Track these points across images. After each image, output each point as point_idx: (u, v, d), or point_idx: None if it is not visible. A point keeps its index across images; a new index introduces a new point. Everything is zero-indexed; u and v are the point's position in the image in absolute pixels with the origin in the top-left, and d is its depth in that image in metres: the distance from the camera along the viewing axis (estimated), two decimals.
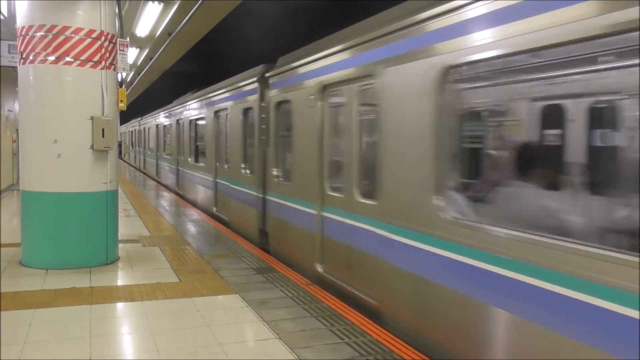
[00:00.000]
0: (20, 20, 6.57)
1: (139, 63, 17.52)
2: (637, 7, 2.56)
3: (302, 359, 3.98)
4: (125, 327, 4.79)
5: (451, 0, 3.96)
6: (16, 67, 6.83)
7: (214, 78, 13.34)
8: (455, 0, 3.91)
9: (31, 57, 6.43)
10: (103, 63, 6.64)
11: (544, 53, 3.42)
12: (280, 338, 4.38)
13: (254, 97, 8.65)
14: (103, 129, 6.56)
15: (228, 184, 10.35)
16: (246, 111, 9.13)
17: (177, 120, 15.82)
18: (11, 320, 4.69)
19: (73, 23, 6.43)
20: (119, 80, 7.51)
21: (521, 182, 4.01)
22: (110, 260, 6.84)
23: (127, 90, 23.90)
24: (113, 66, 6.83)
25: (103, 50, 6.63)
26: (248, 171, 9.19)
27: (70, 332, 4.47)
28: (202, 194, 12.75)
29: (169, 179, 17.89)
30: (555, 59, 3.65)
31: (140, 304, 5.25)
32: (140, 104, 32.36)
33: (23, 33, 6.49)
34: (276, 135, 7.75)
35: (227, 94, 10.30)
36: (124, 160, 35.57)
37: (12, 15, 8.45)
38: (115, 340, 4.41)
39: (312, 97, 6.32)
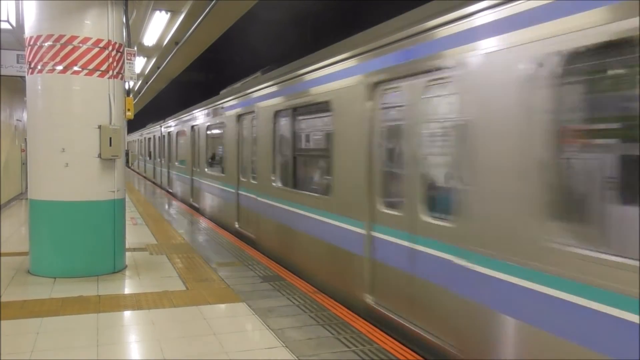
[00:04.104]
0: (29, 30, 6.63)
1: (146, 72, 17.61)
2: None
3: None
4: (132, 335, 4.79)
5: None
6: (25, 76, 6.88)
7: (221, 86, 13.44)
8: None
9: (39, 67, 6.49)
10: (110, 72, 6.69)
11: None
12: (286, 346, 4.36)
13: (160, 132, 21.44)
14: (110, 138, 6.59)
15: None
16: (159, 137, 21.83)
17: (145, 137, 27.38)
18: (19, 329, 4.70)
19: (81, 32, 6.48)
20: (127, 89, 7.55)
21: None
22: (117, 269, 6.86)
23: (134, 99, 24.05)
24: (120, 75, 6.87)
25: (110, 60, 6.68)
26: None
27: (78, 340, 4.48)
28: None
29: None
30: None
31: (147, 312, 5.25)
32: (149, 112, 32.55)
33: (31, 43, 6.55)
34: (163, 145, 20.22)
35: (154, 127, 23.97)
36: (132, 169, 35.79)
37: (20, 25, 8.53)
38: (122, 349, 4.41)
39: (169, 134, 18.91)
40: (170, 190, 19.11)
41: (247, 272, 6.99)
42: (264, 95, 8.39)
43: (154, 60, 15.45)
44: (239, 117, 9.90)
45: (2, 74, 10.59)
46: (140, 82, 20.19)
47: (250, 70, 11.02)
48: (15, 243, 8.67)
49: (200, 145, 13.66)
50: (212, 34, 11.78)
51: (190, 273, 6.86)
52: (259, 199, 8.60)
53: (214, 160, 13.03)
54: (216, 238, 9.58)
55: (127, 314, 5.23)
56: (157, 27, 11.34)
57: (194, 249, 8.52)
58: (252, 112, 9.00)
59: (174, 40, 12.37)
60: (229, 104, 10.66)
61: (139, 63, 15.77)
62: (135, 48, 12.85)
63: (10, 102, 14.17)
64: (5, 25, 8.95)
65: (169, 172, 19.85)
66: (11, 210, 13.44)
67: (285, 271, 7.04)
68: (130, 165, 35.80)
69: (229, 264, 7.46)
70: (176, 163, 17.67)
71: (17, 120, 15.44)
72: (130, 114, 7.29)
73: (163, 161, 21.52)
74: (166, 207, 14.84)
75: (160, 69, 16.22)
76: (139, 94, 24.07)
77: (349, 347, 4.39)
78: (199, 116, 13.79)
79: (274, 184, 7.89)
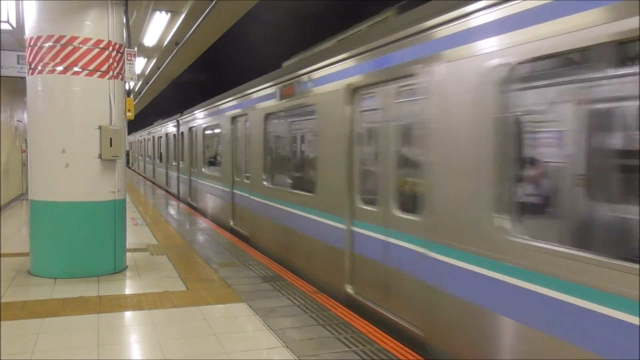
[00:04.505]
0: (29, 31, 6.63)
1: (146, 72, 17.61)
2: None
3: None
4: (133, 335, 4.79)
5: None
6: (25, 77, 6.88)
7: (221, 87, 13.42)
8: None
9: (40, 68, 6.49)
10: (111, 73, 6.69)
11: None
12: (287, 346, 4.36)
13: (175, 129, 17.77)
14: (111, 139, 6.59)
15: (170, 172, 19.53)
16: (174, 135, 18.17)
17: (155, 136, 24.67)
18: (20, 330, 4.71)
19: (81, 33, 6.48)
20: (127, 89, 7.55)
21: None
22: (118, 269, 6.86)
23: (135, 100, 24.05)
24: (121, 76, 6.87)
25: (111, 60, 6.68)
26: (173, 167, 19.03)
27: (78, 341, 4.48)
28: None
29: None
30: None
31: (148, 312, 5.25)
32: (149, 112, 32.59)
33: (32, 44, 6.55)
34: (182, 145, 16.46)
35: (168, 124, 19.81)
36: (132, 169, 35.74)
37: (20, 26, 8.54)
38: (123, 349, 4.41)
39: (188, 131, 15.19)
40: (195, 205, 14.33)
41: (247, 272, 6.98)
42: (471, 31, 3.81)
43: (154, 60, 15.46)
44: (354, 92, 5.54)
45: (2, 74, 10.60)
46: (140, 82, 20.20)
47: (251, 71, 10.95)
48: (16, 244, 8.66)
49: (253, 145, 8.93)
50: (212, 34, 11.77)
51: (190, 273, 6.86)
52: (435, 256, 4.19)
53: (282, 170, 8.47)
54: (217, 238, 9.58)
55: (128, 314, 5.23)
56: (158, 27, 11.34)
57: (195, 249, 8.52)
58: (408, 78, 4.61)
59: (175, 41, 12.37)
60: (326, 72, 6.16)
61: (139, 64, 15.77)
62: (136, 49, 12.85)
63: (11, 103, 14.18)
64: (5, 26, 8.96)
65: (191, 181, 15.00)
66: (12, 211, 13.45)
67: (285, 271, 7.04)
68: (130, 165, 35.76)
69: (229, 264, 7.45)
70: (203, 169, 13.29)
71: (18, 121, 15.45)
72: (130, 115, 7.30)
73: (181, 166, 16.60)
74: (170, 210, 14.84)
75: (161, 69, 16.22)
76: (140, 94, 24.07)
77: (349, 347, 4.39)
78: (248, 102, 9.23)
79: (499, 224, 3.53)
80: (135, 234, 9.77)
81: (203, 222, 11.64)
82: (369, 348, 4.37)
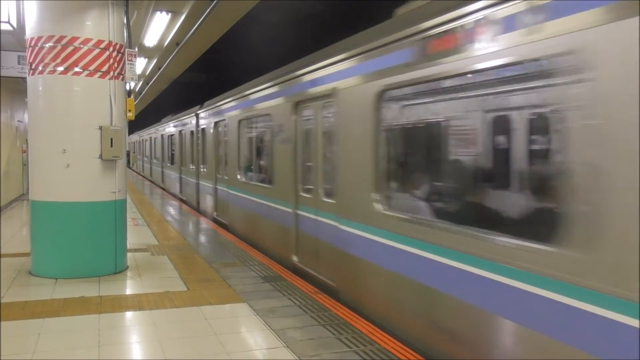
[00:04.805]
0: (30, 32, 6.64)
1: (147, 73, 17.62)
2: None
3: None
4: (134, 336, 4.79)
5: None
6: (26, 77, 6.89)
7: (221, 87, 13.42)
8: None
9: (40, 68, 6.49)
10: (111, 73, 6.69)
11: None
12: (288, 347, 4.36)
13: (193, 124, 14.74)
14: (111, 139, 6.60)
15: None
16: (191, 132, 15.07)
17: (164, 135, 21.87)
18: (21, 330, 4.71)
19: (82, 34, 6.49)
20: (128, 89, 7.56)
21: None
22: (118, 270, 6.86)
23: (135, 100, 24.05)
24: (121, 76, 6.88)
25: (111, 61, 6.68)
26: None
27: (79, 341, 4.48)
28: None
29: None
30: None
31: (149, 312, 5.25)
32: (150, 112, 32.60)
33: (32, 44, 6.56)
34: (204, 144, 13.47)
35: (182, 119, 16.91)
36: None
37: (21, 27, 8.55)
38: (124, 349, 4.41)
39: (213, 127, 12.10)
40: (225, 222, 11.05)
41: (248, 272, 6.99)
42: None
43: (155, 61, 15.47)
44: None
45: (3, 75, 10.61)
46: (141, 82, 20.21)
47: (251, 71, 10.93)
48: (17, 244, 8.67)
49: (345, 146, 5.57)
50: (213, 34, 11.79)
51: (191, 273, 6.86)
52: None
53: (431, 187, 5.14)
54: (217, 238, 9.58)
55: (129, 314, 5.23)
56: (158, 28, 11.36)
57: (195, 249, 8.52)
58: None
59: (175, 41, 12.38)
60: None
61: (140, 64, 15.78)
62: (136, 49, 12.84)
63: (12, 103, 14.19)
64: (6, 27, 8.97)
65: (217, 191, 11.77)
66: (12, 211, 13.46)
67: (286, 271, 7.05)
68: (131, 166, 35.72)
69: (230, 264, 7.46)
70: (239, 177, 9.86)
71: (19, 121, 15.46)
72: (131, 115, 7.31)
73: (203, 171, 13.36)
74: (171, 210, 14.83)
75: (161, 69, 16.23)
76: (140, 94, 24.08)
77: (350, 347, 4.39)
78: (332, 77, 5.87)
79: None
80: (136, 234, 9.77)
81: (203, 223, 11.64)
82: (369, 348, 4.37)
